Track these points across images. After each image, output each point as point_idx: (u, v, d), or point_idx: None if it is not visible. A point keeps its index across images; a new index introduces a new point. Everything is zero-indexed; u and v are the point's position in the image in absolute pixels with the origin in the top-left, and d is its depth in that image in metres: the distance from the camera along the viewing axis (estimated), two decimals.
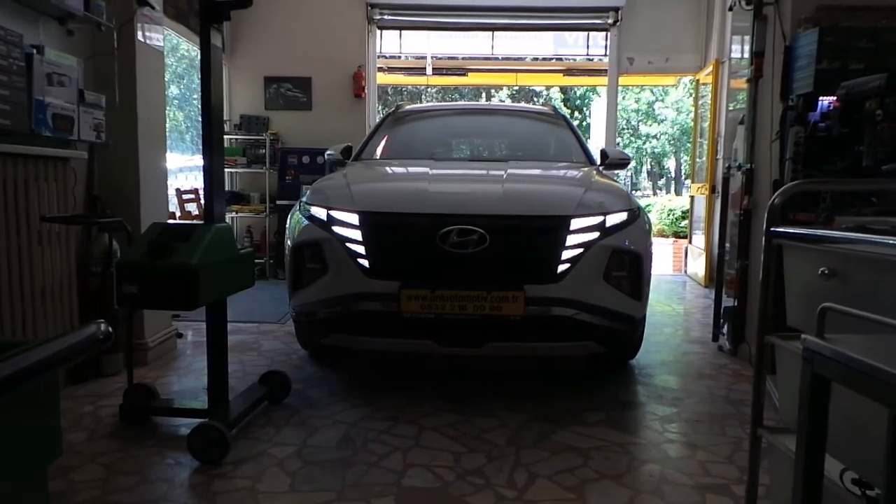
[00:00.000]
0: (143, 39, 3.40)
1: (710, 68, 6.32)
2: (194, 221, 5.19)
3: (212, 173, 2.52)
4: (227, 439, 2.29)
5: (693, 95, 7.46)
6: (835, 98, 2.99)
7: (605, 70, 6.98)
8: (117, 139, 3.25)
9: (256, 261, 5.23)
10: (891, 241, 1.15)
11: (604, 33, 6.95)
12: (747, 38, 3.78)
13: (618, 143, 8.86)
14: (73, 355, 0.77)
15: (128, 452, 2.36)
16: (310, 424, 2.65)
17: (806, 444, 0.93)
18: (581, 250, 2.78)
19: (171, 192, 5.54)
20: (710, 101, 6.30)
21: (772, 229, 1.52)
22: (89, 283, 3.18)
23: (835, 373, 0.86)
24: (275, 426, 2.63)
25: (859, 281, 1.30)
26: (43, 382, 0.80)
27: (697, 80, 6.97)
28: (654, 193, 21.22)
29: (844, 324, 1.05)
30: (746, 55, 3.81)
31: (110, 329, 0.80)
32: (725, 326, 3.89)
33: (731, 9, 4.14)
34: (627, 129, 19.64)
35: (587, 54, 7.24)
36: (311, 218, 3.00)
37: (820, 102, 3.18)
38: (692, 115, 7.74)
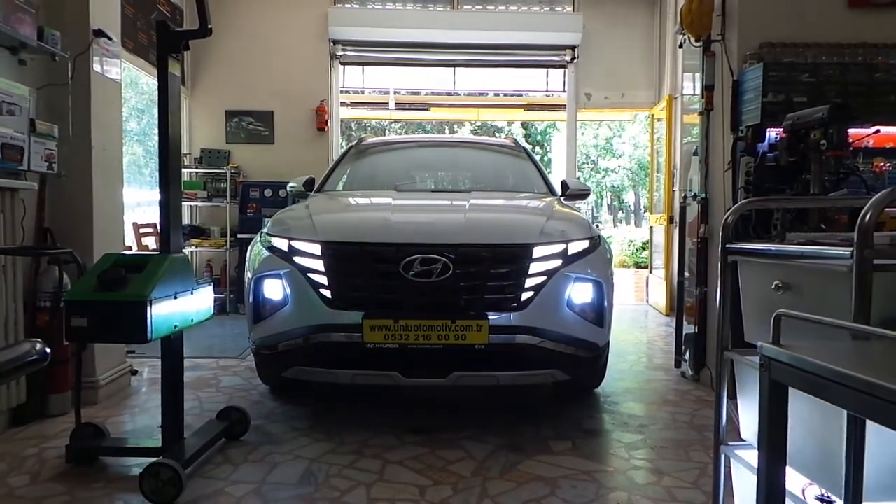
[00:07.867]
0: (99, 70, 3.35)
1: (664, 103, 6.55)
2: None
3: (168, 201, 2.47)
4: (180, 478, 2.19)
5: (649, 131, 7.70)
6: (781, 129, 3.13)
7: (564, 105, 7.17)
8: (71, 170, 3.16)
9: (216, 296, 5.12)
10: (837, 252, 1.18)
11: (562, 70, 7.16)
12: (698, 75, 3.93)
13: (578, 177, 9.04)
14: (3, 376, 0.72)
15: (74, 496, 2.22)
16: (269, 461, 2.55)
17: (767, 453, 0.94)
18: (544, 278, 2.79)
19: (129, 226, 5.40)
20: (665, 135, 6.51)
21: (727, 245, 1.56)
22: (38, 319, 3.04)
23: (792, 378, 0.86)
24: (232, 463, 2.52)
25: (811, 293, 1.34)
26: None
27: (653, 115, 7.21)
28: (615, 226, 21.65)
29: (799, 335, 1.07)
30: (698, 91, 3.96)
31: (47, 349, 0.75)
32: (687, 353, 3.94)
33: (681, 46, 4.31)
34: (587, 163, 20.10)
35: (546, 90, 7.44)
36: (272, 249, 2.96)
37: (767, 133, 3.31)
38: (648, 150, 7.99)
